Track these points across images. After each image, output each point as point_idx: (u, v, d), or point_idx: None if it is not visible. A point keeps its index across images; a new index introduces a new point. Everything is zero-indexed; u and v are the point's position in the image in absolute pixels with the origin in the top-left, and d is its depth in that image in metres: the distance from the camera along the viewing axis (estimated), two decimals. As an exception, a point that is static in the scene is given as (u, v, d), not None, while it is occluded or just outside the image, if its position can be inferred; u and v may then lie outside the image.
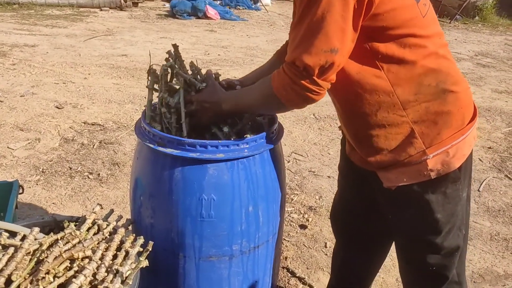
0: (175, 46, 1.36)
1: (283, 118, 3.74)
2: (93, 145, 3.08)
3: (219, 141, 1.16)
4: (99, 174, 2.73)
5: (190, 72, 1.35)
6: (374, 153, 1.14)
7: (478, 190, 2.80)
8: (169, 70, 1.32)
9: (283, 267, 2.10)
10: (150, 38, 6.30)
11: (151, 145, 1.18)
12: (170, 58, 1.34)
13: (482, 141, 3.53)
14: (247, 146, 1.20)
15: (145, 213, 1.28)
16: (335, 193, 1.58)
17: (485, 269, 2.12)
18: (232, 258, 1.28)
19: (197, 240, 1.23)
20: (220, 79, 1.38)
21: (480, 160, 3.22)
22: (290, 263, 2.13)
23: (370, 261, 1.55)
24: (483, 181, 2.90)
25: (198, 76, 1.33)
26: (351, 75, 1.06)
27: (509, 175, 3.01)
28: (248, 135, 1.21)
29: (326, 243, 2.28)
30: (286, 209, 2.54)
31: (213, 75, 1.33)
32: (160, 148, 1.17)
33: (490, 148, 3.42)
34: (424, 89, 1.06)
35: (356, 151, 1.22)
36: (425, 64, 1.05)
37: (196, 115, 1.26)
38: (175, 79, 1.34)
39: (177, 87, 1.31)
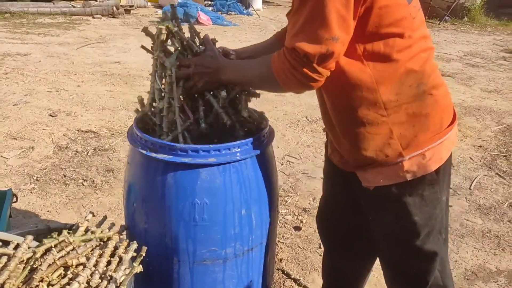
0: (172, 7, 1.32)
1: (276, 121, 3.77)
2: (87, 152, 3.08)
3: (210, 145, 1.17)
4: (93, 181, 2.73)
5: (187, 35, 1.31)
6: (352, 151, 1.16)
7: (470, 188, 2.84)
8: (165, 30, 1.27)
9: (278, 269, 2.11)
10: (144, 44, 6.30)
11: (143, 151, 1.20)
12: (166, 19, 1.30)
13: (473, 140, 3.57)
14: (239, 150, 1.21)
15: (139, 219, 1.29)
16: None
17: (477, 266, 2.15)
18: (226, 261, 1.29)
19: (190, 244, 1.24)
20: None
21: (471, 158, 3.26)
22: (285, 264, 2.15)
23: (359, 264, 1.56)
24: (474, 179, 2.94)
25: (196, 39, 1.30)
26: (338, 66, 1.06)
27: (499, 173, 3.05)
28: (241, 133, 1.23)
29: (320, 244, 2.29)
30: (280, 211, 2.56)
31: (211, 41, 1.31)
32: (152, 154, 1.18)
33: (480, 146, 3.46)
34: (405, 89, 1.07)
35: (337, 152, 1.24)
36: (408, 66, 1.06)
37: (192, 79, 1.25)
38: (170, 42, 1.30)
39: (173, 50, 1.29)
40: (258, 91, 1.33)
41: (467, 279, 2.06)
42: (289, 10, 1.20)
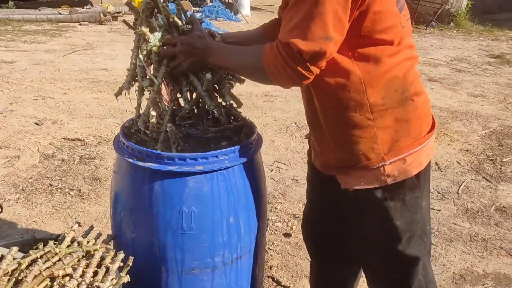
0: None
1: (265, 127, 3.77)
2: (74, 161, 3.04)
3: (198, 153, 1.17)
4: (80, 190, 2.70)
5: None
6: (336, 152, 1.16)
7: (457, 193, 2.87)
8: (151, 4, 1.22)
9: (268, 276, 2.10)
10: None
11: (130, 160, 1.19)
12: None
13: (460, 144, 3.62)
14: (226, 157, 1.21)
15: (126, 228, 1.28)
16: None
17: (465, 269, 2.17)
18: (214, 270, 1.28)
19: (178, 253, 1.23)
20: None
21: (458, 163, 3.29)
22: (275, 272, 2.14)
23: (346, 270, 1.55)
24: (461, 184, 2.97)
25: (183, 17, 1.25)
26: (328, 64, 1.06)
27: (486, 177, 3.09)
28: (225, 143, 1.23)
29: (310, 251, 2.29)
30: (270, 218, 2.55)
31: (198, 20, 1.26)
32: (139, 163, 1.17)
33: (467, 151, 3.51)
34: (391, 94, 1.09)
35: (319, 156, 1.24)
36: (394, 72, 1.08)
37: (177, 58, 1.20)
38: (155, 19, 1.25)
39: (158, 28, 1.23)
40: (243, 78, 1.30)
41: (455, 282, 2.08)
42: (282, 4, 1.21)
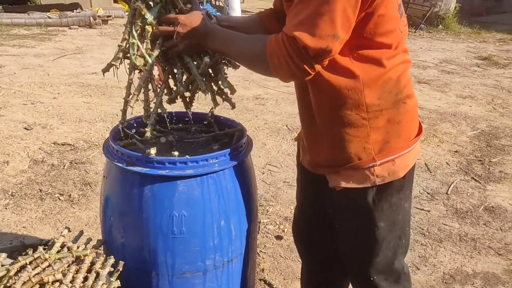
0: None
1: (256, 130, 3.78)
2: (64, 166, 3.02)
3: (188, 157, 1.17)
4: (70, 195, 2.68)
5: None
6: (328, 151, 1.17)
7: (447, 193, 2.90)
8: None
9: (260, 279, 2.11)
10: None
11: (120, 164, 1.18)
12: None
13: (449, 145, 3.66)
14: (217, 161, 1.21)
15: (116, 233, 1.27)
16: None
17: (455, 269, 2.19)
18: (206, 274, 1.28)
19: (169, 257, 1.23)
20: None
21: (447, 164, 3.33)
22: (267, 274, 2.14)
23: (335, 273, 1.55)
24: (451, 184, 3.00)
25: None
26: (328, 63, 1.05)
27: (475, 177, 3.13)
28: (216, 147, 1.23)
29: (302, 253, 2.30)
30: (261, 221, 2.56)
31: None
32: (129, 167, 1.17)
33: (456, 151, 3.55)
34: (386, 95, 1.11)
35: (308, 153, 1.24)
36: (390, 74, 1.10)
37: (175, 38, 1.14)
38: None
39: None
40: (238, 64, 1.25)
41: (445, 282, 2.10)
42: None
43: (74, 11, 8.63)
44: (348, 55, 1.07)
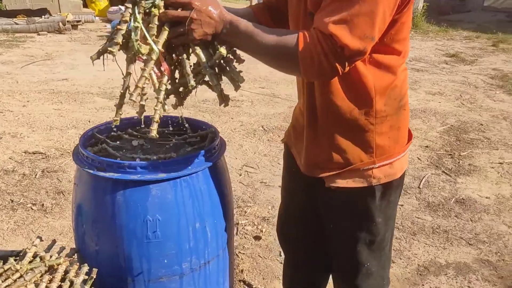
0: None
1: (232, 132, 3.78)
2: (35, 175, 2.95)
3: (160, 160, 1.16)
4: (43, 204, 2.62)
5: None
6: (328, 152, 1.17)
7: (419, 187, 2.97)
8: None
9: (239, 280, 2.11)
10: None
11: (91, 171, 1.17)
12: None
13: (420, 141, 3.76)
14: (189, 163, 1.21)
15: (89, 241, 1.26)
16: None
17: (429, 261, 2.25)
18: (182, 277, 1.28)
19: (145, 263, 1.22)
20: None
21: (418, 159, 3.42)
22: (246, 275, 2.15)
23: (320, 271, 1.57)
24: (422, 178, 3.09)
25: None
26: None
27: (445, 171, 3.22)
28: (189, 149, 1.23)
29: (280, 252, 2.31)
30: (239, 222, 2.56)
31: None
32: (100, 173, 1.16)
33: (427, 147, 3.65)
34: (391, 102, 1.13)
35: (306, 156, 1.23)
36: (396, 81, 1.12)
37: (187, 24, 0.98)
38: None
39: None
40: (243, 58, 1.12)
41: (420, 274, 2.15)
42: None
43: (43, 16, 8.42)
44: (363, 60, 1.06)
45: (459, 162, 3.37)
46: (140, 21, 0.99)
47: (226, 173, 1.40)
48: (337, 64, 0.95)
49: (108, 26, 8.75)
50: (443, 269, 2.20)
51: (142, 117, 1.06)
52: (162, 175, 1.16)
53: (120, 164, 1.15)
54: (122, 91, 1.06)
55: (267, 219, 2.61)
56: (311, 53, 0.95)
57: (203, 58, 1.03)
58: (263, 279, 2.13)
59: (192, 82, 1.04)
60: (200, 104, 4.23)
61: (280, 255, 2.28)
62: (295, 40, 0.97)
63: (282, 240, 1.59)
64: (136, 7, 1.00)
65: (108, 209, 1.19)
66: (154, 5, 0.99)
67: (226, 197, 1.36)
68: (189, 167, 1.21)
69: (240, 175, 3.12)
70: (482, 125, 4.15)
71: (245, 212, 2.68)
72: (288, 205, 1.51)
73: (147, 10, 1.00)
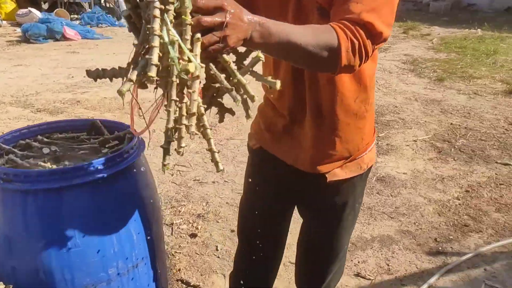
0: None
1: (161, 131, 3.70)
2: None
3: (72, 166, 1.12)
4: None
5: None
6: (331, 144, 1.21)
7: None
8: None
9: (177, 280, 2.10)
10: (2, 67, 5.70)
11: (-4, 184, 1.10)
12: None
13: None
14: (105, 166, 1.17)
15: (4, 258, 1.18)
16: (237, 203, 1.58)
17: (356, 237, 2.39)
18: (110, 283, 1.24)
19: (67, 273, 1.17)
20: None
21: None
22: (183, 274, 2.14)
23: (272, 264, 1.57)
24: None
25: None
26: None
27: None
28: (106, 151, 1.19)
29: (217, 246, 2.33)
30: (174, 222, 2.54)
31: None
32: (7, 185, 1.09)
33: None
34: (372, 89, 1.21)
35: (308, 154, 1.23)
36: (374, 70, 1.21)
37: (223, 31, 0.80)
38: None
39: None
40: None
41: (348, 251, 2.28)
42: None
43: None
44: None
45: (378, 143, 3.60)
46: (175, 33, 0.77)
47: (148, 172, 1.38)
48: (369, 51, 0.95)
49: (18, 30, 8.12)
50: (369, 243, 2.35)
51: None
52: (76, 181, 1.12)
53: (28, 173, 1.09)
54: (168, 126, 0.87)
55: (202, 216, 2.61)
56: (353, 45, 0.91)
57: (234, 69, 0.85)
58: (201, 275, 2.14)
59: (238, 98, 0.85)
60: (126, 107, 4.09)
61: (217, 250, 2.30)
62: (333, 34, 0.90)
63: (244, 233, 1.55)
64: (165, 14, 0.75)
65: (20, 222, 1.12)
66: (186, 9, 0.77)
67: (149, 198, 1.34)
68: (105, 170, 1.17)
69: (172, 175, 3.08)
70: (397, 107, 4.46)
71: (180, 211, 2.66)
72: (256, 204, 1.45)
73: (179, 18, 0.78)
